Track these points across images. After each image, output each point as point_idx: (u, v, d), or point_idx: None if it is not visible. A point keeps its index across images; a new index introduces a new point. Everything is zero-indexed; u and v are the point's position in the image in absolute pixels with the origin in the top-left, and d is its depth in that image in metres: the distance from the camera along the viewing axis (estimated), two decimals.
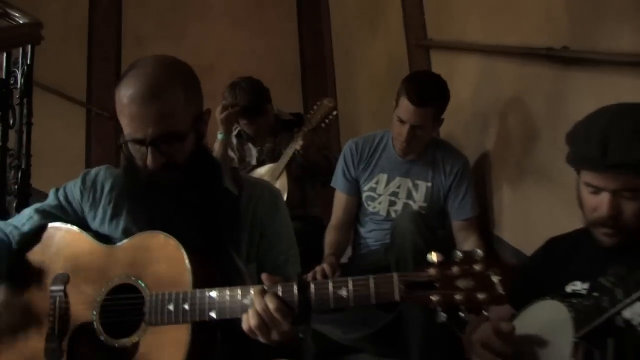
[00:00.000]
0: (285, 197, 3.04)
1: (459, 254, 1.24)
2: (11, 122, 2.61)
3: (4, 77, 2.65)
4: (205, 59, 4.88)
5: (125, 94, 1.47)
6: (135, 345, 1.45)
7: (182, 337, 1.40)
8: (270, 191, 1.74)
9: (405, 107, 2.54)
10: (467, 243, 2.67)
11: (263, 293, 1.32)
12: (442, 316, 1.22)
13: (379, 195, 2.77)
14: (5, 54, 2.67)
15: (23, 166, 2.65)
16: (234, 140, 3.36)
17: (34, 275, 1.62)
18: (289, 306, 1.30)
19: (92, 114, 4.99)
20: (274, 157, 3.23)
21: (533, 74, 2.55)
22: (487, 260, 1.22)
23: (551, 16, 2.38)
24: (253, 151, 3.34)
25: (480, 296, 1.20)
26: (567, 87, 2.31)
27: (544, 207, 2.46)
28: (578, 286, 1.59)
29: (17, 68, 2.76)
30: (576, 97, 2.23)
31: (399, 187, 2.75)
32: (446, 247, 1.91)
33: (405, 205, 2.73)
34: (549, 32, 2.37)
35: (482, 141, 3.00)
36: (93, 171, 1.72)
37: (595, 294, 1.47)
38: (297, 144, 3.02)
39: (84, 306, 1.54)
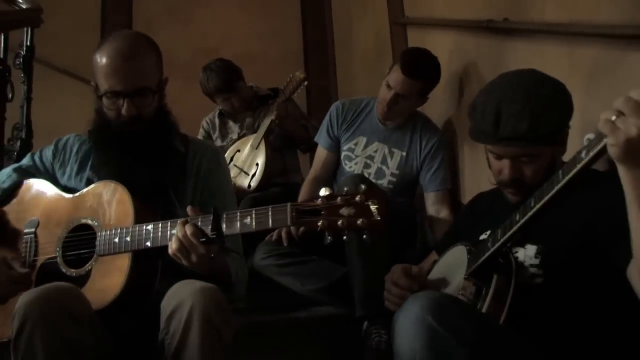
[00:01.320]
0: (263, 166, 3.27)
1: (346, 188, 1.46)
2: (10, 96, 2.88)
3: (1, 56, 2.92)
4: (211, 41, 5.11)
5: (108, 53, 1.77)
6: (89, 273, 1.72)
7: (124, 264, 1.67)
8: (212, 149, 2.04)
9: (395, 74, 2.69)
10: (438, 216, 2.79)
11: (185, 223, 1.58)
12: (328, 238, 1.44)
13: (356, 156, 2.90)
14: (2, 35, 2.94)
15: (23, 136, 2.94)
16: (217, 121, 3.60)
17: (12, 222, 1.92)
18: (203, 232, 1.55)
19: None
20: (254, 131, 3.43)
21: (484, 45, 2.73)
22: (367, 192, 1.44)
23: None
24: (234, 127, 3.56)
25: (359, 221, 1.42)
26: (509, 56, 2.50)
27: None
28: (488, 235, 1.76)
29: (22, 50, 3.05)
30: (517, 65, 2.38)
31: (375, 151, 2.88)
32: None
33: (379, 169, 2.86)
34: (492, 5, 2.56)
35: (448, 113, 3.18)
36: (64, 138, 2.04)
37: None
38: (272, 115, 3.24)
39: (50, 244, 1.82)
